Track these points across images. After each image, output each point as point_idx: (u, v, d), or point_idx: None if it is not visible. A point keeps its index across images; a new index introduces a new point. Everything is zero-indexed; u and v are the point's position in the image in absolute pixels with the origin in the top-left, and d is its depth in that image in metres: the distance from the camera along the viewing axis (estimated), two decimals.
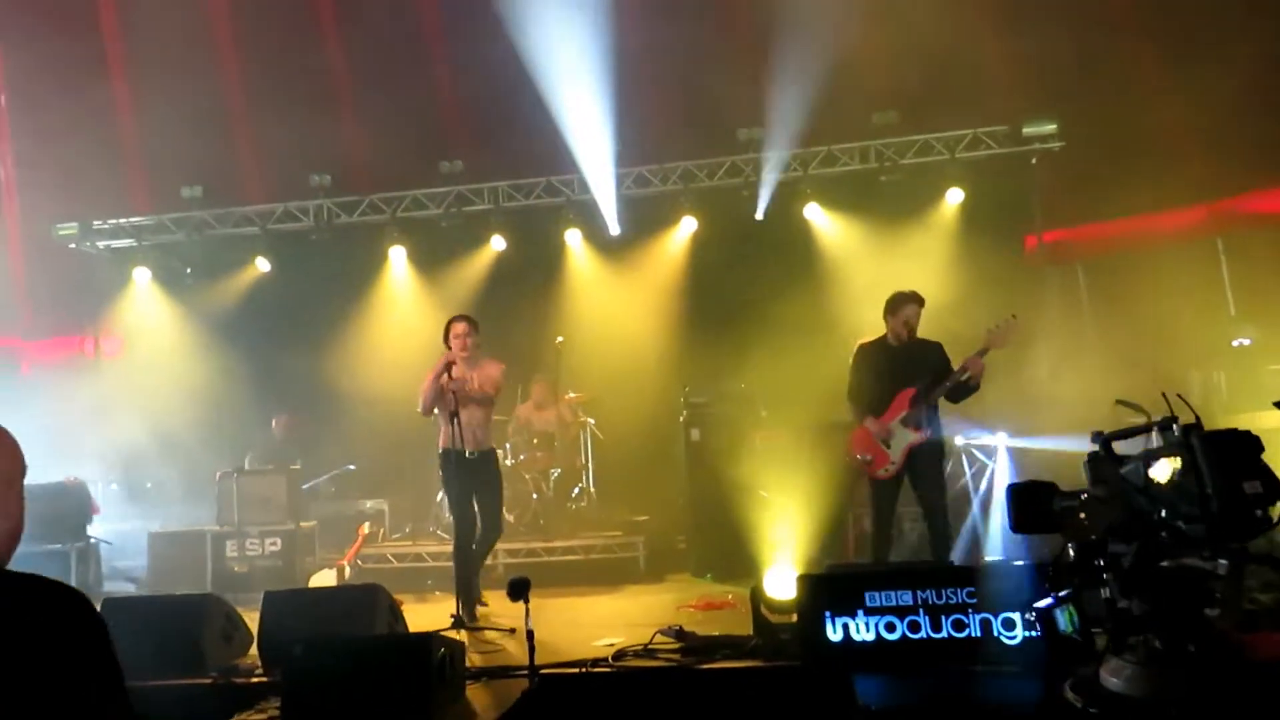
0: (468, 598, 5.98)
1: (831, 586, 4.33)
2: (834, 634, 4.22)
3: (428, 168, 9.75)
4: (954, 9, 9.10)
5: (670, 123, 10.17)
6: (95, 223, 10.14)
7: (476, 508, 6.21)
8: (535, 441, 8.48)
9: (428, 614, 6.20)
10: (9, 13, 10.64)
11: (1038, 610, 3.66)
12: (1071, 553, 3.36)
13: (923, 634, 4.13)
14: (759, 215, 9.22)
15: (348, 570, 7.45)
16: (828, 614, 4.24)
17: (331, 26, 10.70)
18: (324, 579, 7.29)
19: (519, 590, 4.50)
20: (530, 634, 4.20)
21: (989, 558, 6.68)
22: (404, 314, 9.86)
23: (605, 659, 4.62)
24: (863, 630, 4.20)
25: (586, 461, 8.67)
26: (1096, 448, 3.45)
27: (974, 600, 4.13)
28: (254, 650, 4.97)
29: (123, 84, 11.06)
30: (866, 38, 9.69)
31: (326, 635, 4.43)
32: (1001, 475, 6.99)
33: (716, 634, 4.96)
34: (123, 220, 10.18)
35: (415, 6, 10.73)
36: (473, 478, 6.18)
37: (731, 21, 10.08)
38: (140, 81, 10.95)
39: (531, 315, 9.33)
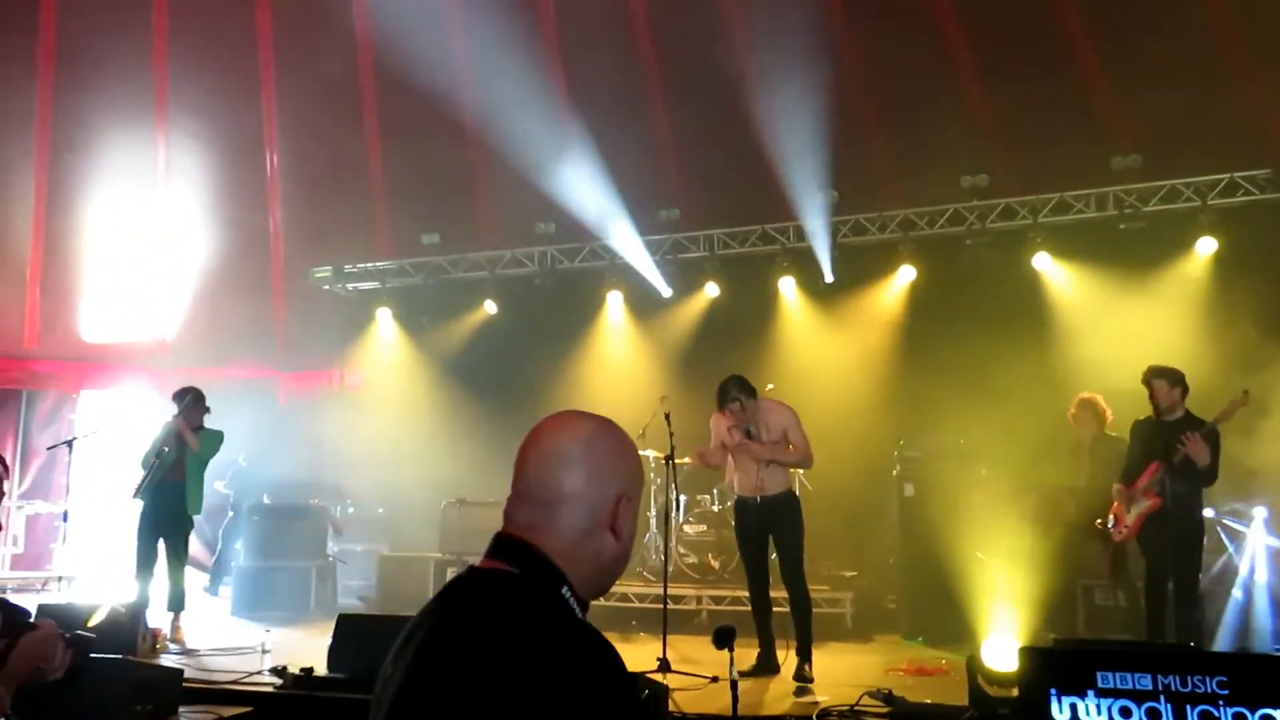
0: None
1: (1059, 662, 4.04)
2: (1060, 714, 3.93)
3: (647, 216, 10.07)
4: (1199, 43, 8.51)
5: (890, 169, 10.03)
6: (346, 267, 11.14)
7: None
8: None
9: (631, 655, 6.27)
10: (284, 76, 11.94)
11: None
12: None
13: None
14: (978, 265, 8.89)
15: None
16: (1053, 691, 3.95)
17: (562, 86, 11.29)
18: None
19: (724, 638, 4.47)
20: (734, 684, 4.17)
21: (1256, 647, 6.07)
22: (620, 356, 10.17)
23: (809, 717, 4.51)
24: (1093, 713, 3.89)
25: None
26: None
27: (1226, 692, 3.74)
28: None
29: (375, 140, 12.13)
30: (1104, 77, 9.22)
31: None
32: (1261, 555, 6.33)
33: (928, 701, 4.74)
34: (369, 265, 11.13)
35: (635, 60, 11.14)
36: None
37: (955, 65, 9.84)
38: (388, 138, 11.97)
39: (742, 362, 9.17)
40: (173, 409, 7.23)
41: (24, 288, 11.59)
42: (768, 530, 6.01)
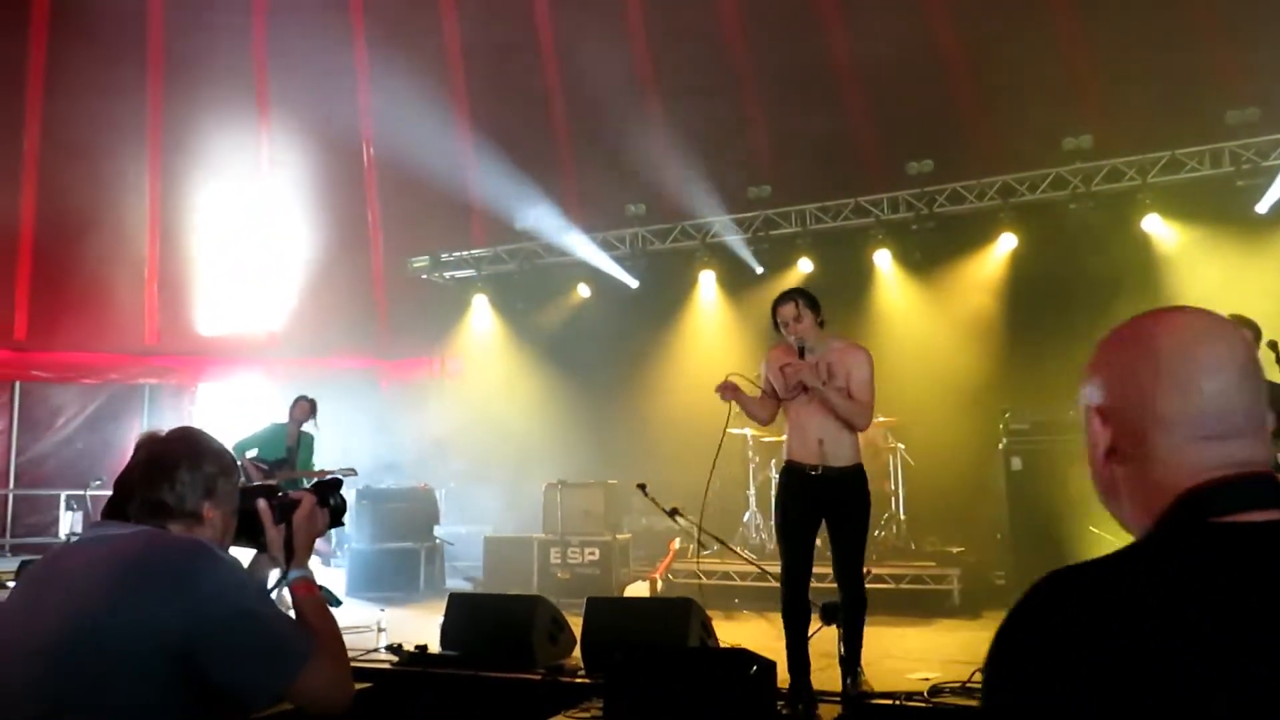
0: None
1: None
2: None
3: (737, 193, 10.00)
4: None
5: (987, 135, 9.75)
6: (443, 255, 11.37)
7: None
8: None
9: (735, 631, 6.31)
10: (379, 65, 12.23)
11: None
12: None
13: None
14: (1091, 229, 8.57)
15: (659, 583, 7.75)
16: None
17: (649, 65, 11.27)
18: (638, 590, 7.64)
19: (832, 614, 4.41)
20: (843, 660, 4.19)
21: None
22: (714, 335, 10.16)
23: (920, 693, 4.47)
24: None
25: (896, 488, 8.41)
26: None
27: None
28: (576, 652, 5.25)
29: (466, 128, 12.35)
30: (1215, 24, 8.78)
31: (646, 643, 4.64)
32: None
33: None
34: (464, 253, 11.35)
35: (721, 35, 11.05)
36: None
37: (1051, 21, 9.48)
38: (478, 125, 12.17)
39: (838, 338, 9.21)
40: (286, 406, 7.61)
41: (142, 286, 12.19)
42: (823, 512, 4.71)
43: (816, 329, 4.69)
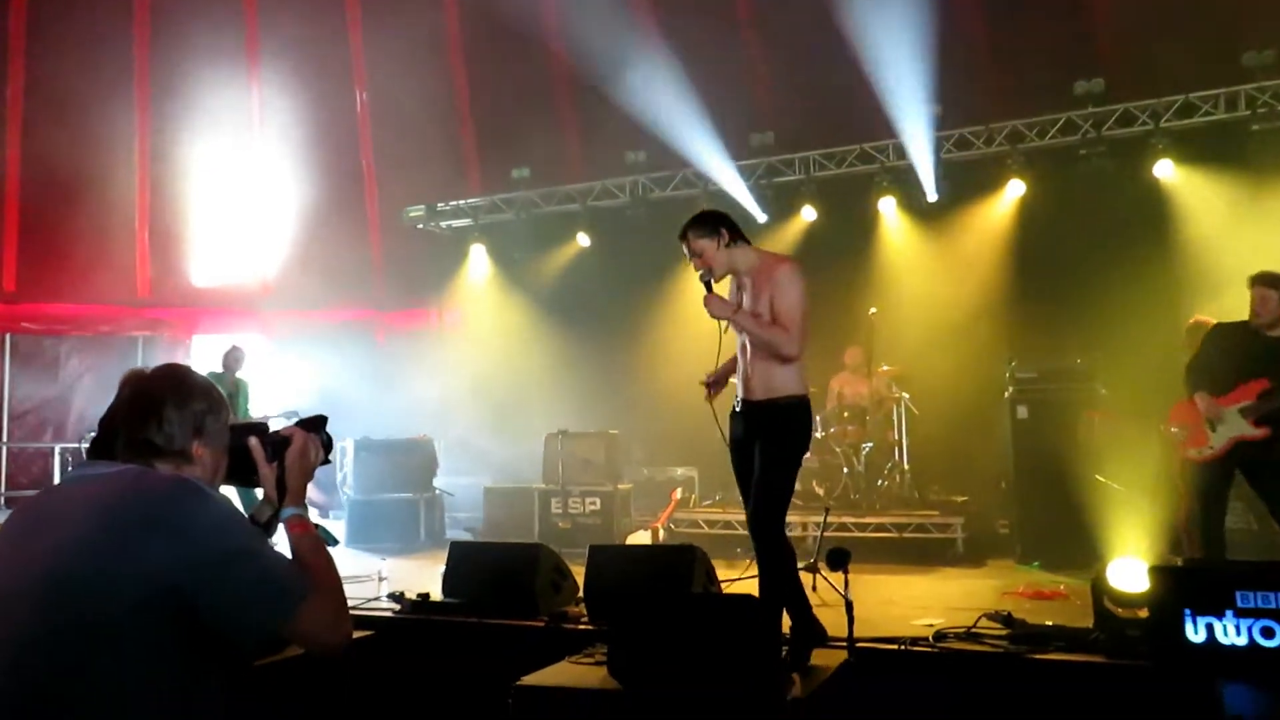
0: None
1: (1194, 582, 3.89)
2: (1195, 635, 3.79)
3: (740, 140, 9.86)
4: None
5: (996, 79, 9.60)
6: (439, 205, 11.24)
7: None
8: (846, 415, 8.36)
9: (739, 580, 6.29)
10: (371, 7, 12.01)
11: None
12: None
13: None
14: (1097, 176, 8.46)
15: (661, 533, 7.76)
16: (1188, 612, 3.81)
17: (649, 9, 11.06)
18: (639, 539, 7.65)
19: (838, 560, 4.52)
20: (849, 605, 4.19)
21: None
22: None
23: (925, 639, 4.46)
24: (1232, 634, 3.74)
25: (900, 437, 8.44)
26: None
27: None
28: (580, 600, 5.26)
29: (462, 76, 12.17)
30: None
31: (649, 589, 4.63)
32: None
33: (1049, 624, 4.64)
34: (461, 202, 11.21)
35: None
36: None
37: None
38: (475, 72, 11.99)
39: (843, 286, 9.15)
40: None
41: (134, 237, 12.06)
42: (750, 446, 4.25)
43: (732, 251, 4.27)
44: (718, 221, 4.32)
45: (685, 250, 4.34)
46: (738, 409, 4.37)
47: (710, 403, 4.52)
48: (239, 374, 8.32)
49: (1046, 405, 7.20)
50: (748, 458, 4.28)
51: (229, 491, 2.00)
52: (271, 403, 8.37)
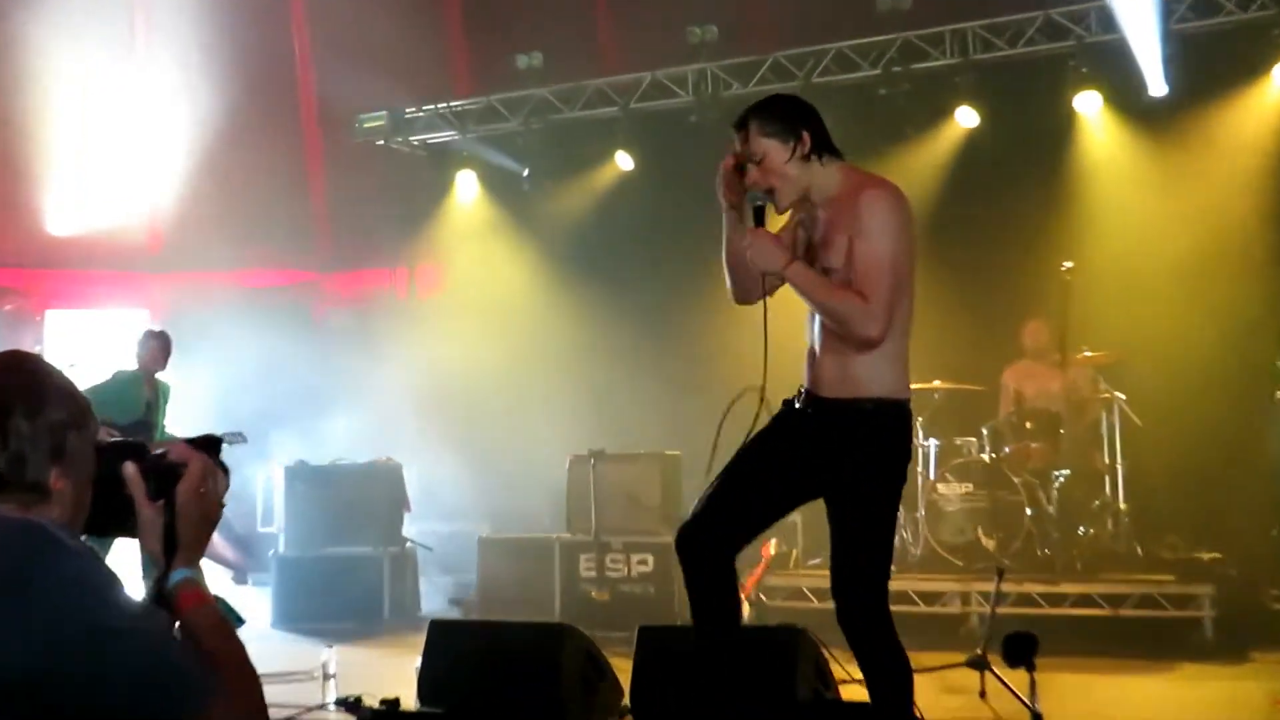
0: None
1: None
2: None
3: (858, 11, 9.73)
4: None
5: None
6: (408, 111, 11.16)
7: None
8: (1029, 426, 8.29)
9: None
10: None
11: None
12: None
13: None
14: None
15: (747, 606, 7.60)
16: None
17: None
18: None
19: (1021, 651, 4.60)
20: (1037, 717, 4.33)
21: None
22: None
23: None
24: None
25: (1114, 460, 8.31)
26: None
27: None
28: (625, 708, 5.23)
29: None
30: None
31: (732, 697, 4.49)
32: None
33: None
34: (441, 105, 11.13)
35: None
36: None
37: None
38: None
39: (1019, 227, 9.14)
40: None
41: None
42: (805, 467, 4.03)
43: (811, 166, 3.94)
44: (798, 117, 3.97)
45: (737, 148, 4.02)
46: (797, 404, 4.12)
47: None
48: (160, 375, 7.89)
49: None
50: (783, 464, 4.06)
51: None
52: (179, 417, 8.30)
